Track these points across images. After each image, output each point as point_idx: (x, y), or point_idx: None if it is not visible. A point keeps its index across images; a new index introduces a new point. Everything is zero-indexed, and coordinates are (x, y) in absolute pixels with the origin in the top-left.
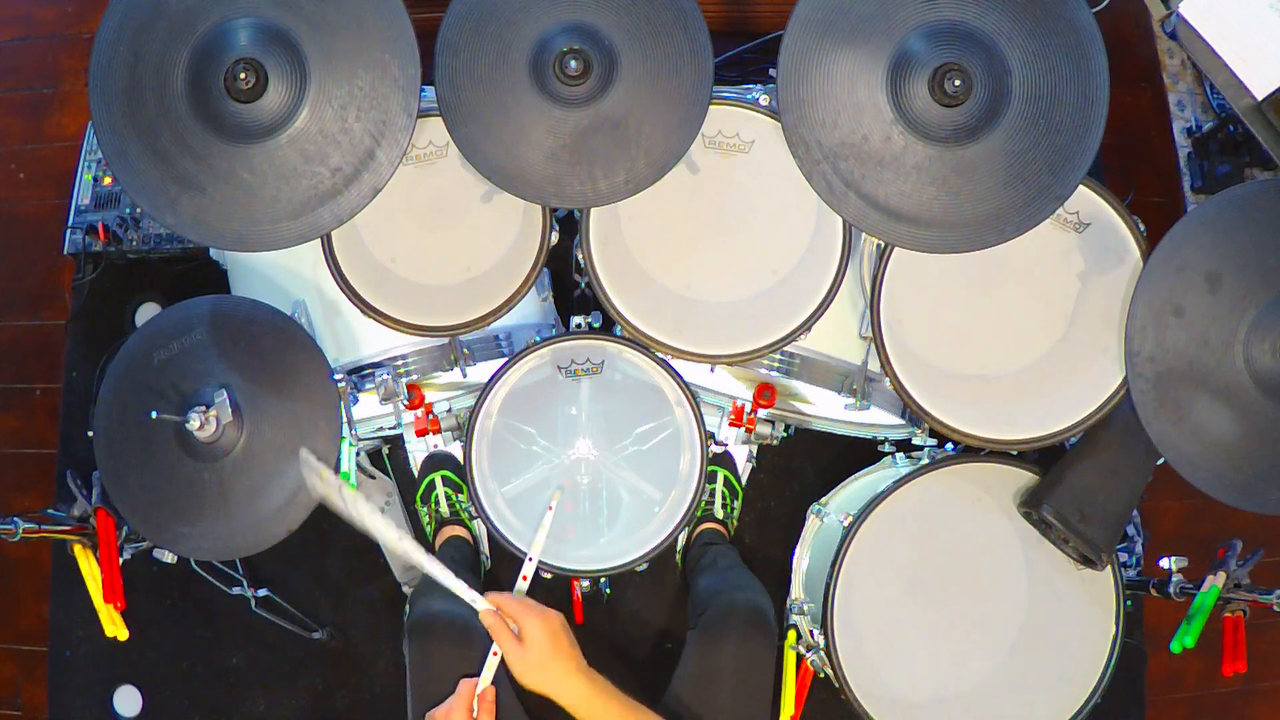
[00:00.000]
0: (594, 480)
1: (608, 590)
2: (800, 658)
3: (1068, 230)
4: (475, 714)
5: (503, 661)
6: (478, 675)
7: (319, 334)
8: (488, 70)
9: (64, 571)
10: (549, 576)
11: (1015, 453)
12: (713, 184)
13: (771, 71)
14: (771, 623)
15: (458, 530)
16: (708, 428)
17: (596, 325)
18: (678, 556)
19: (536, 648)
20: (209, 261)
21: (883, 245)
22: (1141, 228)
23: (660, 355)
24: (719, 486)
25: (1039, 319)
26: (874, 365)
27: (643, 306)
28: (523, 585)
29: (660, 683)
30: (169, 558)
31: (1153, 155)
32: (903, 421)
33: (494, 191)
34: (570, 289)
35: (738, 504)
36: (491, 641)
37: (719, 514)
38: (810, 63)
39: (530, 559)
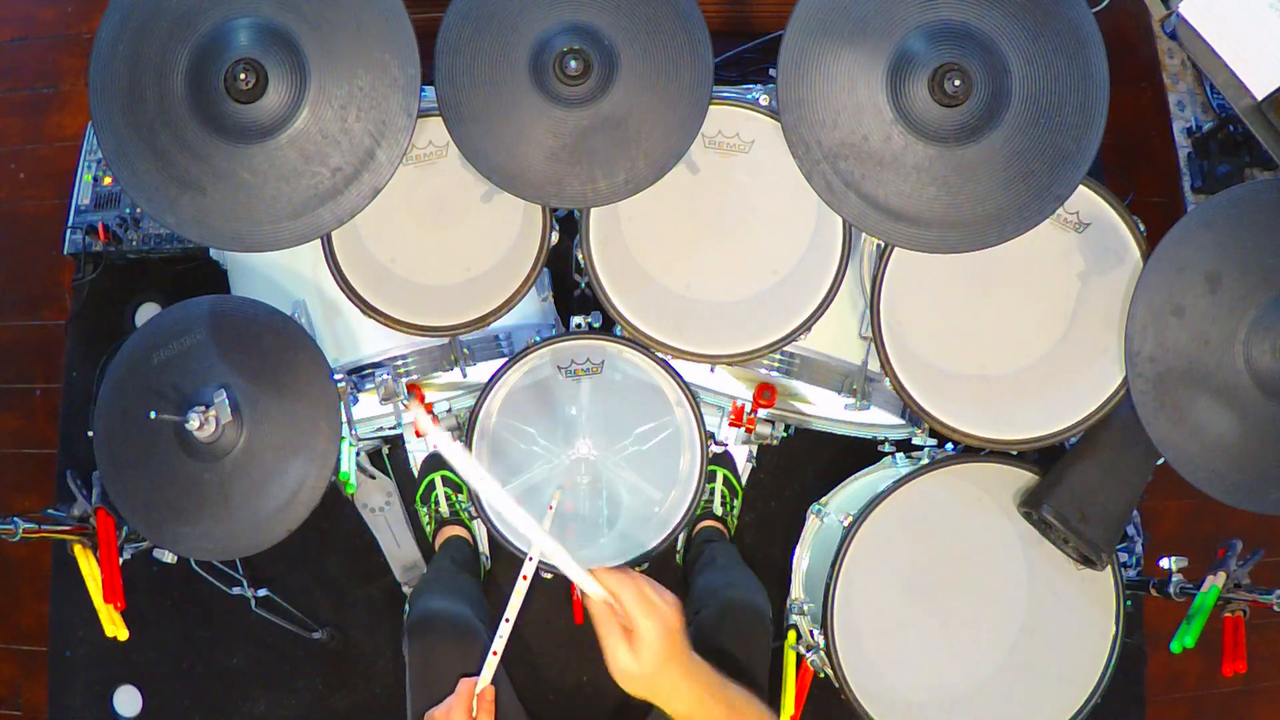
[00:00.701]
0: (594, 480)
1: None
2: (800, 658)
3: (1068, 230)
4: (475, 714)
5: (503, 660)
6: (477, 674)
7: (319, 334)
8: (488, 70)
9: (64, 571)
10: (549, 576)
11: (1015, 453)
12: (713, 184)
13: (771, 71)
14: (768, 621)
15: (458, 530)
16: (708, 428)
17: (596, 325)
18: (678, 555)
19: (650, 653)
20: (209, 261)
21: (883, 245)
22: (1141, 228)
23: (660, 355)
24: (718, 485)
25: (1039, 319)
26: (874, 365)
27: (643, 306)
28: (522, 585)
29: None
30: (169, 558)
31: (1153, 155)
32: (903, 421)
33: (494, 191)
34: (570, 289)
35: (737, 503)
36: (492, 639)
37: (718, 511)
38: (810, 63)
39: (530, 558)
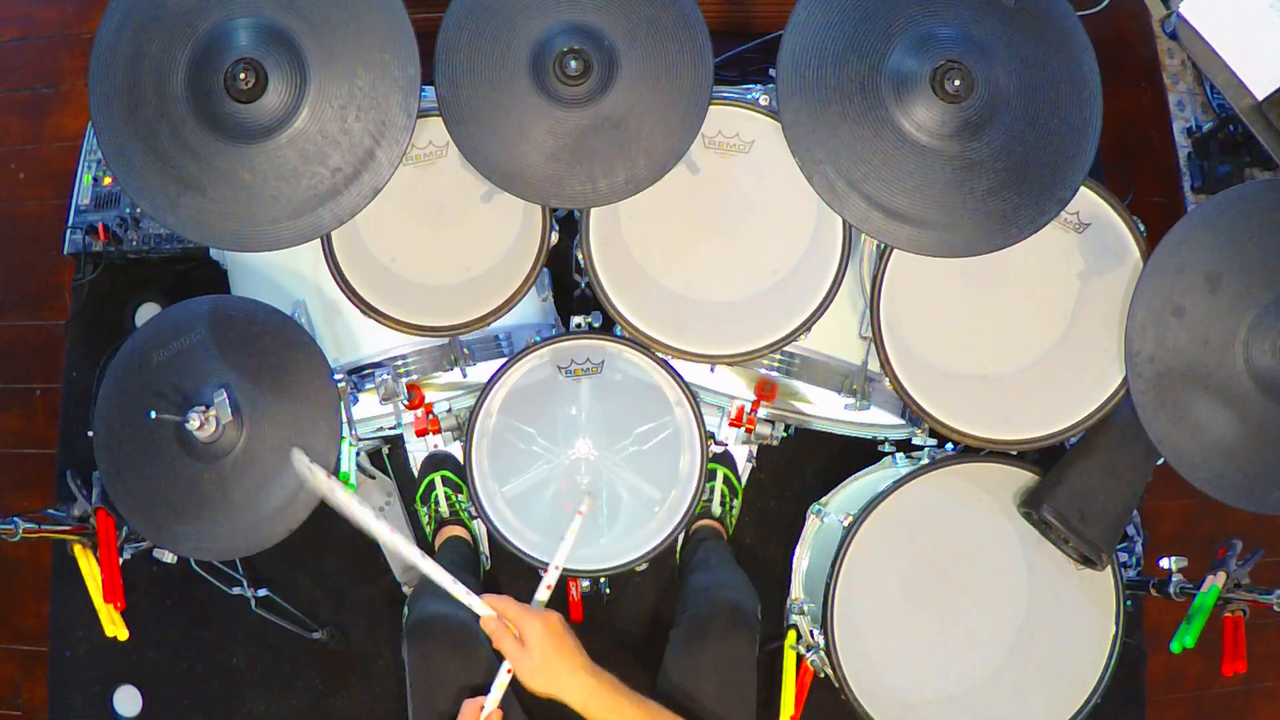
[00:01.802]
0: (594, 480)
1: (607, 590)
2: (800, 658)
3: (1068, 230)
4: None
5: (510, 682)
6: (482, 685)
7: (319, 334)
8: (488, 70)
9: (64, 571)
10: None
11: (1015, 453)
12: (713, 184)
13: (771, 71)
14: (752, 619)
15: (458, 530)
16: (708, 428)
17: (596, 325)
18: (676, 554)
19: (540, 649)
20: (209, 261)
21: (883, 245)
22: (1141, 228)
23: (660, 355)
24: (718, 484)
25: (1039, 319)
26: (874, 365)
27: (643, 306)
28: (544, 595)
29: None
30: (169, 558)
31: (1153, 155)
32: (903, 421)
33: (494, 191)
34: (570, 289)
35: (737, 503)
36: (496, 652)
37: (717, 511)
38: (810, 62)
39: (555, 567)
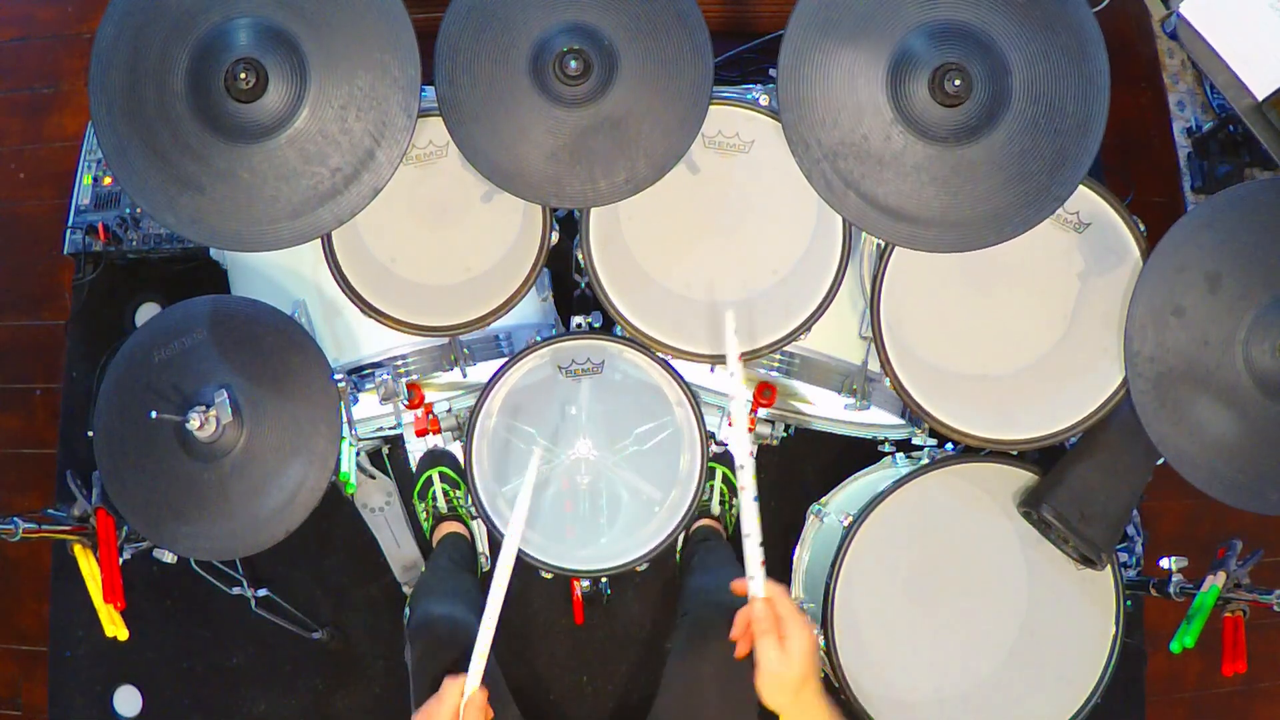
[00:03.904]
0: (594, 480)
1: (608, 590)
2: None
3: (1068, 230)
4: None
5: (499, 659)
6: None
7: (319, 334)
8: (488, 70)
9: (64, 571)
10: (549, 576)
11: (1015, 453)
12: (713, 184)
13: (771, 71)
14: None
15: (455, 526)
16: (708, 428)
17: (596, 325)
18: (676, 554)
19: (798, 663)
20: (209, 261)
21: (883, 245)
22: (1141, 228)
23: (660, 355)
24: (717, 483)
25: (1039, 319)
26: (874, 365)
27: (643, 306)
28: (504, 575)
29: (659, 683)
30: (169, 558)
31: (1153, 155)
32: (903, 421)
33: (494, 191)
34: (570, 289)
35: (737, 501)
36: (475, 639)
37: (715, 510)
38: (810, 62)
39: (508, 545)
